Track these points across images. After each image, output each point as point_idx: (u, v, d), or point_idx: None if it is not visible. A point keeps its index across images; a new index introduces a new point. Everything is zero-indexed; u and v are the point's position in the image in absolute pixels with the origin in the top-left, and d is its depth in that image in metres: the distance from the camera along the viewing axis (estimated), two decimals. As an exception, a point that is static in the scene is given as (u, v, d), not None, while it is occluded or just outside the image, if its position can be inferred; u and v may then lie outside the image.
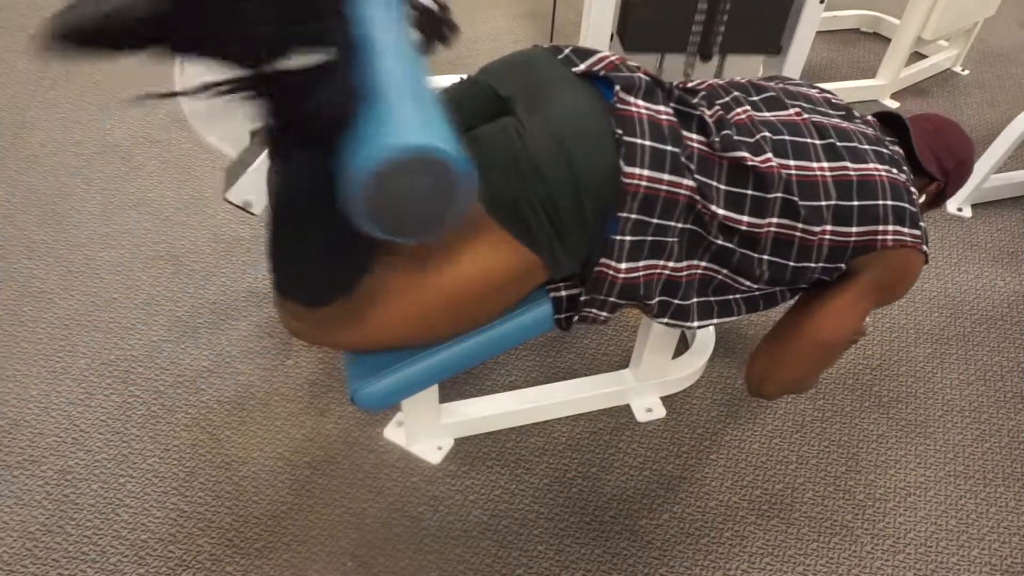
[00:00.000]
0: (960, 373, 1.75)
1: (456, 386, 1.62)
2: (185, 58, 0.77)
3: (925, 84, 2.71)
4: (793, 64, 2.01)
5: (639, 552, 1.39)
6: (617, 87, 1.05)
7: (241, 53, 0.77)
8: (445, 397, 1.58)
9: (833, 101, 1.28)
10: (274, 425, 1.52)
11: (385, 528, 1.39)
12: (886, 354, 1.78)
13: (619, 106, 1.04)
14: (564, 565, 1.36)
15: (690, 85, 1.24)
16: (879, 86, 2.58)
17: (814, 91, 1.29)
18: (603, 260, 1.07)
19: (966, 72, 2.79)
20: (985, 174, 2.13)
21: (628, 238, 1.06)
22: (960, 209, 2.20)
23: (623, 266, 1.08)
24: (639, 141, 1.03)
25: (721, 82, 1.25)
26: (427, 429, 1.50)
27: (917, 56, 2.82)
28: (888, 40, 2.86)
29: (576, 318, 1.17)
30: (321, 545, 1.35)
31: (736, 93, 1.21)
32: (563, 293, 1.14)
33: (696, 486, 1.50)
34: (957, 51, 2.75)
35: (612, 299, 1.12)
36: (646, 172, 1.03)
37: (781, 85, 1.28)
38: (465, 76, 1.21)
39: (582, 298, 1.14)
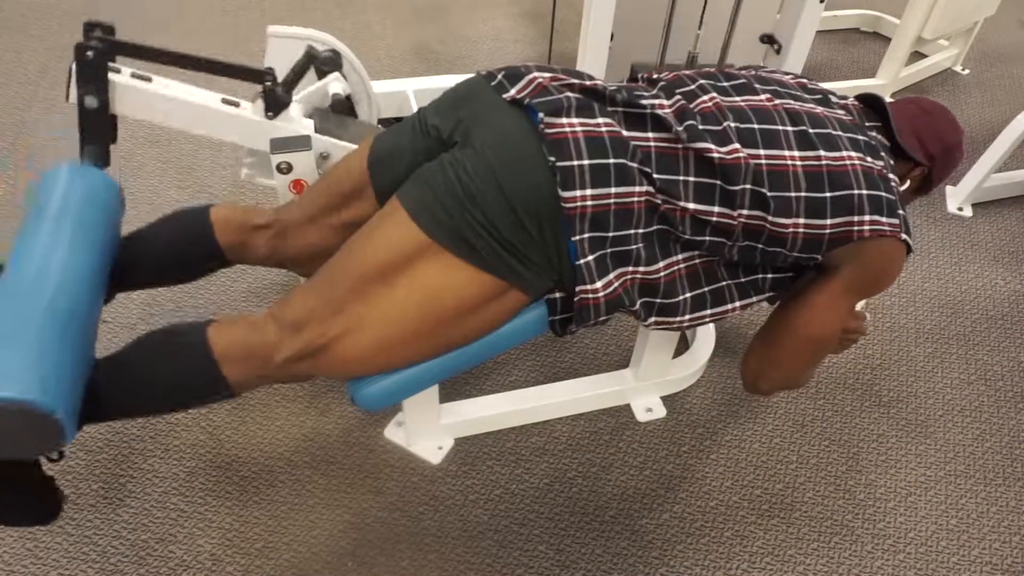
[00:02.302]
0: (960, 372, 1.75)
1: (456, 386, 1.62)
2: None
3: (925, 83, 2.71)
4: (793, 64, 2.01)
5: (639, 552, 1.39)
6: (540, 114, 1.05)
7: None
8: (445, 397, 1.58)
9: (808, 86, 1.26)
10: (274, 425, 1.52)
11: (385, 528, 1.39)
12: (886, 353, 1.78)
13: (548, 130, 1.04)
14: (564, 565, 1.36)
15: (654, 76, 1.23)
16: (879, 85, 2.58)
17: (788, 77, 1.27)
18: (579, 288, 1.08)
19: (966, 71, 2.79)
20: (985, 174, 2.13)
21: (590, 258, 1.07)
22: (960, 208, 2.20)
23: (599, 284, 1.08)
24: (575, 163, 1.03)
25: (688, 72, 1.23)
26: (427, 429, 1.50)
27: (917, 55, 2.82)
28: (888, 39, 2.86)
29: (572, 330, 1.17)
30: (321, 545, 1.36)
31: (702, 81, 1.19)
32: (557, 295, 1.14)
33: (696, 486, 1.50)
34: (957, 50, 2.75)
35: (602, 318, 1.13)
36: (589, 192, 1.03)
37: (754, 72, 1.26)
38: (405, 118, 1.24)
39: (572, 328, 1.15)
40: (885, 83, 2.57)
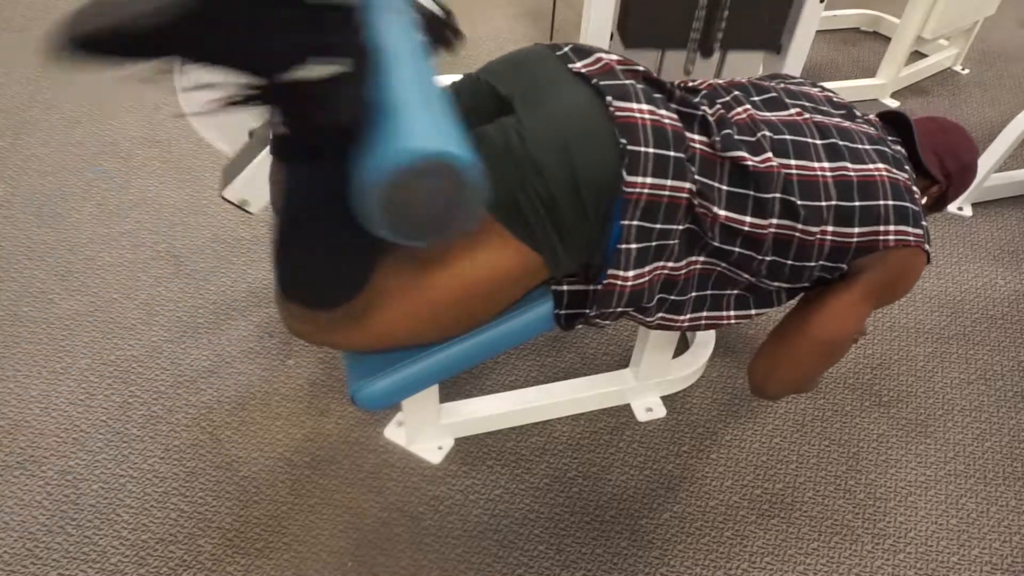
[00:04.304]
0: (961, 372, 1.75)
1: (456, 386, 1.62)
2: (199, 66, 0.77)
3: (925, 83, 2.71)
4: (793, 63, 2.01)
5: (639, 552, 1.39)
6: (608, 97, 1.04)
7: (258, 63, 0.77)
8: (445, 397, 1.58)
9: (834, 100, 1.28)
10: (274, 425, 1.52)
11: (385, 528, 1.39)
12: (886, 353, 1.78)
13: (619, 113, 1.03)
14: (564, 565, 1.36)
15: (691, 84, 1.24)
16: (879, 85, 2.58)
17: (816, 90, 1.29)
18: (611, 271, 1.07)
19: (966, 71, 2.79)
20: (985, 173, 2.13)
21: (633, 246, 1.06)
22: (960, 208, 2.20)
23: (631, 274, 1.08)
24: (643, 149, 1.02)
25: (721, 82, 1.25)
26: (427, 429, 1.50)
27: (917, 55, 2.82)
28: (888, 39, 2.86)
29: (580, 322, 1.17)
30: (321, 545, 1.36)
31: (737, 92, 1.20)
32: (564, 288, 1.13)
33: (696, 485, 1.50)
34: (957, 50, 2.75)
35: (619, 309, 1.12)
36: (649, 180, 1.03)
37: (782, 85, 1.28)
38: (464, 75, 1.21)
39: (591, 313, 1.14)
40: (885, 83, 2.57)
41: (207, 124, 1.27)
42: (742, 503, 1.48)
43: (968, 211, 2.19)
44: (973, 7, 2.47)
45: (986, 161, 2.14)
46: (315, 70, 0.79)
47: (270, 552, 1.34)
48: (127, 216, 1.92)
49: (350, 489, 1.43)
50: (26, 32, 2.50)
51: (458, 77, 1.26)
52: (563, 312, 1.16)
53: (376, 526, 1.39)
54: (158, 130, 2.17)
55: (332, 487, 1.44)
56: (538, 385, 1.59)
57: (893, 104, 2.60)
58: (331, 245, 0.93)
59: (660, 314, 1.17)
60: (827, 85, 2.57)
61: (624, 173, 1.02)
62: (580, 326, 1.16)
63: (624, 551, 1.39)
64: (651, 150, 1.03)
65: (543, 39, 2.70)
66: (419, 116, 0.84)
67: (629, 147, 1.02)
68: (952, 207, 2.19)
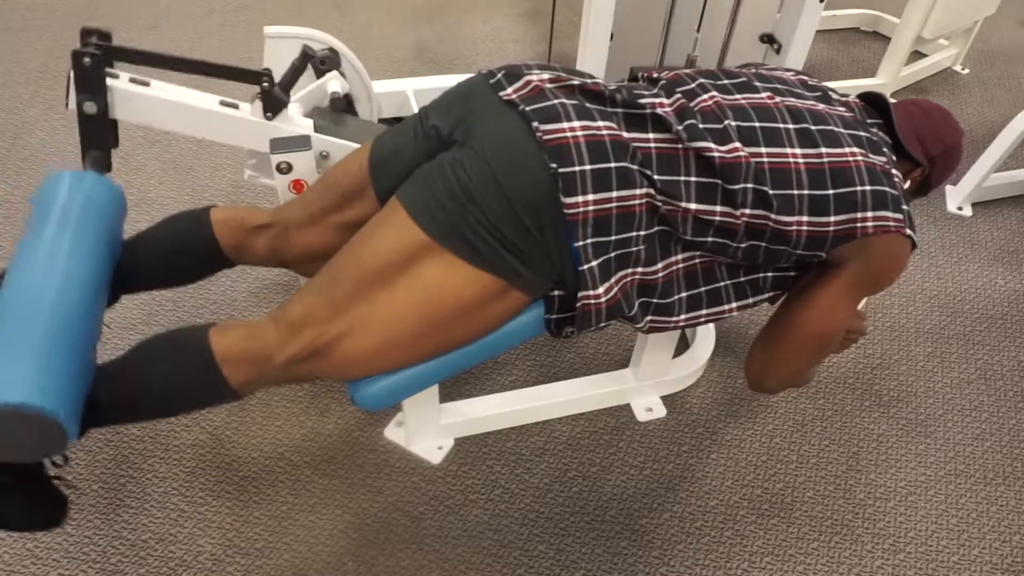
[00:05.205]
0: (960, 372, 1.75)
1: (456, 386, 1.62)
2: None
3: (925, 83, 2.71)
4: (793, 63, 2.01)
5: (639, 552, 1.39)
6: (535, 123, 1.03)
7: None
8: (445, 397, 1.58)
9: (809, 83, 1.25)
10: (274, 425, 1.52)
11: (385, 528, 1.39)
12: (886, 353, 1.78)
13: (547, 136, 1.03)
14: (564, 565, 1.36)
15: (654, 75, 1.22)
16: (879, 85, 2.58)
17: (789, 74, 1.27)
18: (581, 294, 1.08)
19: (966, 71, 2.79)
20: (985, 173, 2.13)
21: (594, 263, 1.06)
22: (960, 208, 2.20)
23: (601, 290, 1.08)
24: (577, 168, 1.02)
25: (688, 71, 1.22)
26: (427, 429, 1.50)
27: (917, 55, 2.82)
28: (888, 39, 2.86)
29: (568, 332, 1.17)
30: (321, 545, 1.36)
31: (702, 79, 1.18)
32: (555, 293, 1.14)
33: (696, 485, 1.50)
34: (957, 50, 2.75)
35: (602, 324, 1.13)
36: (592, 196, 1.03)
37: (754, 70, 1.26)
38: (407, 117, 1.23)
39: (569, 331, 1.15)
40: (885, 82, 2.57)
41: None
42: (742, 503, 1.48)
43: (968, 211, 2.19)
44: (973, 7, 2.46)
45: (986, 161, 2.13)
46: None
47: (270, 552, 1.34)
48: (127, 216, 1.92)
49: (350, 489, 1.44)
50: (26, 32, 2.50)
51: (456, 78, 1.27)
52: (554, 317, 1.16)
53: (376, 526, 1.39)
54: (157, 132, 2.17)
55: (332, 487, 1.44)
56: (538, 385, 1.59)
57: (893, 104, 2.60)
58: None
59: (648, 318, 1.17)
60: (827, 85, 2.57)
61: (561, 196, 1.02)
62: (571, 333, 1.16)
63: (624, 551, 1.39)
64: (587, 167, 1.03)
65: (543, 39, 2.70)
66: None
67: (561, 170, 1.02)
68: (952, 207, 2.19)
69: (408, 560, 1.35)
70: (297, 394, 1.58)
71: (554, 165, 1.02)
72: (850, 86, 2.57)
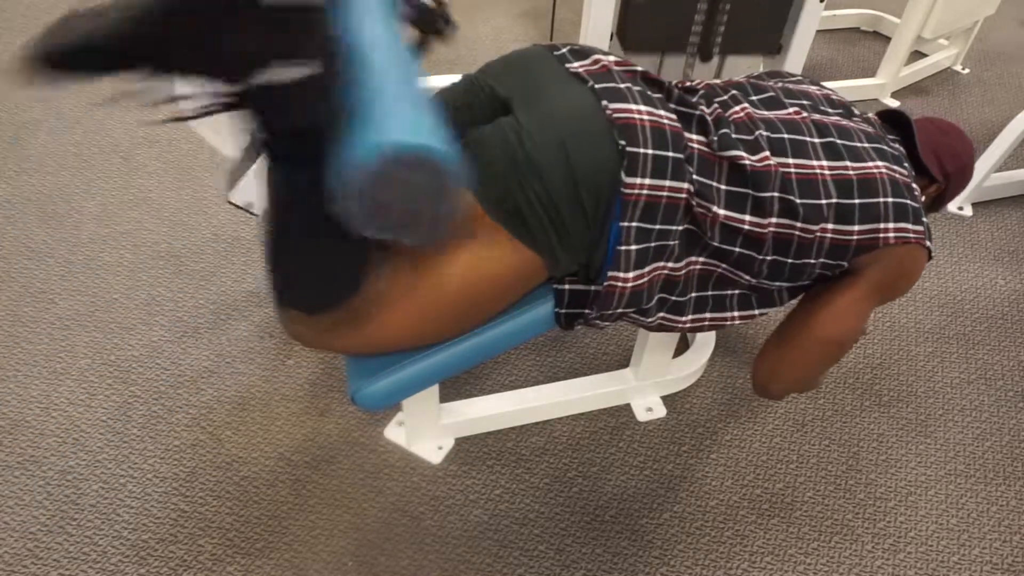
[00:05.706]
0: (961, 372, 1.75)
1: (456, 386, 1.62)
2: (166, 76, 0.77)
3: (925, 83, 2.71)
4: (793, 63, 2.01)
5: (640, 552, 1.39)
6: (604, 101, 1.04)
7: (221, 69, 0.77)
8: (445, 397, 1.58)
9: (833, 98, 1.28)
10: (274, 425, 1.52)
11: (385, 528, 1.39)
12: (887, 353, 1.78)
13: (617, 115, 1.03)
14: (564, 565, 1.36)
15: (688, 84, 1.24)
16: (879, 85, 2.58)
17: (814, 88, 1.29)
18: (611, 273, 1.07)
19: (966, 71, 2.79)
20: (985, 173, 2.13)
21: (633, 247, 1.06)
22: (961, 208, 2.20)
23: (631, 275, 1.08)
24: (641, 150, 1.02)
25: (719, 82, 1.25)
26: (428, 429, 1.50)
27: (917, 55, 2.82)
28: (888, 39, 2.86)
29: (580, 322, 1.17)
30: (321, 545, 1.36)
31: (734, 91, 1.20)
32: (566, 287, 1.13)
33: (697, 485, 1.50)
34: (957, 50, 2.75)
35: (620, 310, 1.12)
36: (648, 181, 1.03)
37: (780, 84, 1.28)
38: (463, 76, 1.21)
39: (591, 314, 1.14)
40: (885, 82, 2.57)
41: (207, 127, 1.27)
42: (742, 503, 1.48)
43: (968, 211, 2.19)
44: (973, 7, 2.47)
45: (986, 161, 2.14)
46: (282, 73, 0.78)
47: (270, 552, 1.34)
48: (127, 216, 1.92)
49: (350, 489, 1.44)
50: (26, 32, 2.50)
51: (457, 78, 1.26)
52: (564, 311, 1.16)
53: (376, 526, 1.39)
54: (158, 130, 2.17)
55: (332, 487, 1.44)
56: (538, 385, 1.59)
57: (893, 104, 2.60)
58: (319, 248, 0.93)
59: (660, 314, 1.17)
60: (827, 84, 2.57)
61: (623, 174, 1.02)
62: (580, 326, 1.16)
63: (624, 551, 1.39)
64: (650, 151, 1.03)
65: (543, 39, 2.70)
66: (396, 111, 0.84)
67: (628, 148, 1.02)
68: (952, 207, 2.19)
69: (408, 560, 1.35)
70: (297, 394, 1.58)
71: (623, 143, 1.02)
72: (850, 86, 2.57)
